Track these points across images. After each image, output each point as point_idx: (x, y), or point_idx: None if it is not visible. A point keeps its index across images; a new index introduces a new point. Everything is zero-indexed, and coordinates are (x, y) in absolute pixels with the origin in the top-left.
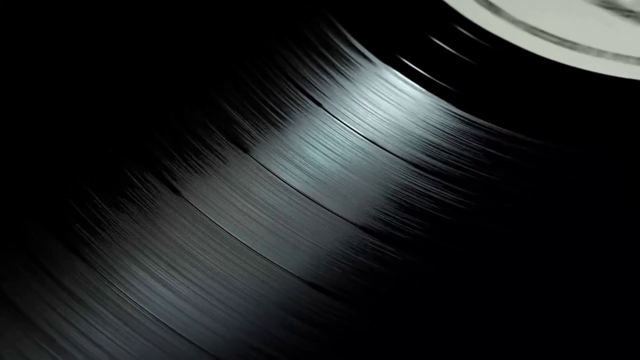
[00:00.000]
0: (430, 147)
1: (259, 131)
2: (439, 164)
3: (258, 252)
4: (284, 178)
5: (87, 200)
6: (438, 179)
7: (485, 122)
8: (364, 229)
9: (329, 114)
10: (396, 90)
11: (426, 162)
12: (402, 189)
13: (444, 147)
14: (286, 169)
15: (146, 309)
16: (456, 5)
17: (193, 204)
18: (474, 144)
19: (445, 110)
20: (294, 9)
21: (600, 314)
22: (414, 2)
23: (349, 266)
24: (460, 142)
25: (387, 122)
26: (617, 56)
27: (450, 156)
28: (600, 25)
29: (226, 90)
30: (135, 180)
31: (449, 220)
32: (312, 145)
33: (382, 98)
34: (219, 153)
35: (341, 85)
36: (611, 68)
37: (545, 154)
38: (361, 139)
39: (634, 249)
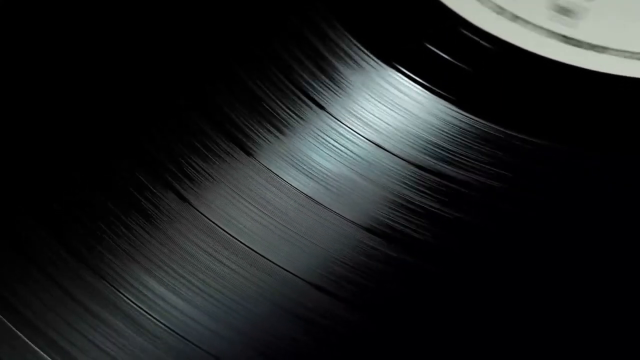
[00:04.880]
0: (434, 148)
1: (262, 135)
2: (443, 165)
3: (262, 254)
4: (288, 180)
5: (97, 209)
6: (441, 180)
7: (488, 123)
8: (369, 230)
9: (332, 117)
10: (399, 93)
11: (430, 164)
12: (406, 190)
13: (447, 149)
14: (289, 172)
15: (158, 317)
16: (456, 6)
17: (198, 208)
18: (477, 145)
19: (449, 112)
20: (297, 11)
21: (602, 314)
22: (416, 4)
23: (355, 268)
24: (463, 144)
25: (390, 124)
26: (620, 52)
27: (454, 158)
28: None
29: (228, 94)
30: (142, 188)
31: (452, 220)
32: (316, 148)
33: (385, 100)
34: (223, 158)
35: (344, 88)
36: (615, 66)
37: (546, 154)
38: (364, 141)
39: (635, 249)
